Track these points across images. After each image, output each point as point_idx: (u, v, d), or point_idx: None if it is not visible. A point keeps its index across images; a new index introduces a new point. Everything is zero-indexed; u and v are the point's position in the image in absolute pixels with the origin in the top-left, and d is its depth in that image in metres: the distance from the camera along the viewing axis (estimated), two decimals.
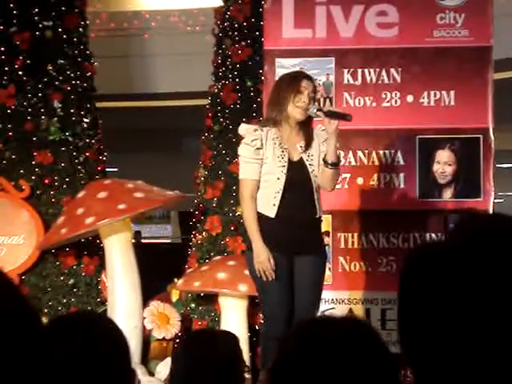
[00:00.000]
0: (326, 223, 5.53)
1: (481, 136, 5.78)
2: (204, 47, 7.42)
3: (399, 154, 5.83)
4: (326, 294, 5.43)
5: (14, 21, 6.55)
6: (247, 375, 4.56)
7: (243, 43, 6.48)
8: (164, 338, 5.80)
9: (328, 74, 5.88)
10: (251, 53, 6.45)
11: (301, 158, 4.66)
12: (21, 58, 6.51)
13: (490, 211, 5.68)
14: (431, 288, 1.26)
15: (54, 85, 6.53)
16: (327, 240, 5.54)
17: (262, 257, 4.53)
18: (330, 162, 4.58)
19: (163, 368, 5.38)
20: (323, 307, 5.37)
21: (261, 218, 4.58)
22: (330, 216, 5.67)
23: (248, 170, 4.64)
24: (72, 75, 6.59)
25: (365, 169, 5.83)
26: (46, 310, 6.18)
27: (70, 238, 5.89)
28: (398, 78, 5.86)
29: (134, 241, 6.34)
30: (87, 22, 6.90)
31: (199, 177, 6.55)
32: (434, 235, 5.71)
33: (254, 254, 4.56)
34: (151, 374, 5.64)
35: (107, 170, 6.83)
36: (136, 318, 5.72)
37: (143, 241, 12.65)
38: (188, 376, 2.80)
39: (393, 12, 5.87)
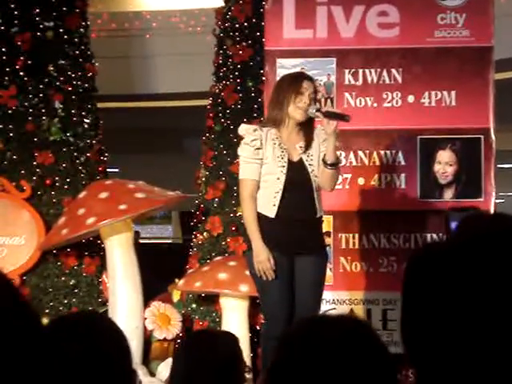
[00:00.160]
0: (327, 223, 5.53)
1: (482, 136, 5.78)
2: (205, 47, 7.42)
3: (400, 154, 5.83)
4: (327, 295, 5.43)
5: (16, 21, 6.55)
6: (248, 375, 4.56)
7: (244, 43, 6.48)
8: (165, 339, 5.79)
9: (329, 75, 5.89)
10: (252, 53, 6.45)
11: (300, 159, 4.66)
12: (22, 58, 6.51)
13: (492, 211, 5.69)
14: (434, 288, 1.26)
15: (55, 85, 6.53)
16: (328, 240, 5.54)
17: (262, 256, 4.53)
18: (329, 162, 4.58)
19: (164, 368, 5.38)
20: (324, 308, 5.37)
21: (261, 218, 4.58)
22: (331, 216, 5.68)
23: (248, 170, 4.64)
24: (73, 76, 6.59)
25: (366, 169, 5.83)
26: (47, 311, 6.18)
27: (71, 239, 5.89)
28: (399, 79, 5.86)
29: None
30: (88, 23, 6.90)
31: (200, 177, 6.55)
32: (435, 235, 5.71)
33: (253, 254, 4.57)
34: (152, 374, 5.64)
35: (108, 170, 6.83)
36: (137, 319, 5.72)
37: (142, 241, 12.66)
38: (188, 376, 2.80)
39: (394, 12, 5.87)
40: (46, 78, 6.52)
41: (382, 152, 5.83)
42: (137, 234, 12.02)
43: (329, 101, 5.86)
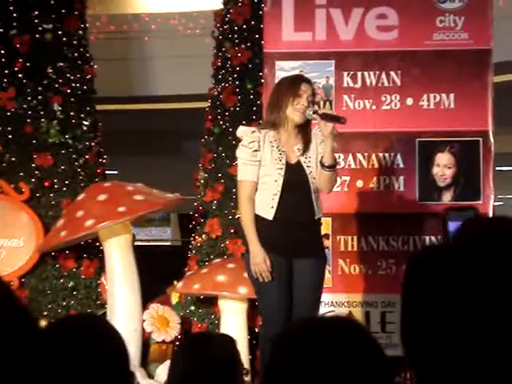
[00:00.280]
0: (326, 226, 5.53)
1: (480, 139, 5.78)
2: (204, 50, 7.41)
3: (399, 156, 5.83)
4: (326, 297, 5.43)
5: (14, 23, 6.55)
6: (246, 378, 4.56)
7: (243, 46, 6.48)
8: (164, 341, 5.79)
9: (328, 77, 5.89)
10: (251, 55, 6.45)
11: (298, 161, 4.66)
12: (21, 60, 6.51)
13: (490, 214, 5.69)
14: (434, 290, 1.26)
15: (54, 87, 6.53)
16: (327, 243, 5.54)
17: (258, 258, 4.53)
18: (326, 164, 4.58)
19: (163, 371, 5.38)
20: (323, 310, 5.37)
21: (259, 220, 4.58)
22: (329, 219, 5.68)
23: (245, 172, 4.64)
24: (72, 78, 6.59)
25: (364, 172, 5.83)
26: (45, 313, 6.17)
27: (70, 241, 5.89)
28: (398, 81, 5.86)
29: None
30: (87, 25, 6.90)
31: (199, 179, 6.55)
32: (433, 238, 5.71)
33: (250, 256, 4.57)
34: (151, 376, 5.64)
35: (107, 172, 6.83)
36: (136, 321, 5.71)
37: (141, 243, 12.65)
38: (185, 378, 2.80)
39: (392, 15, 5.88)
40: (45, 80, 6.52)
41: (381, 154, 5.83)
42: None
43: (327, 103, 5.87)
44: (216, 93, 6.54)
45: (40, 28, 6.57)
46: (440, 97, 5.82)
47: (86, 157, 6.53)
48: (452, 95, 5.81)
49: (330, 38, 5.89)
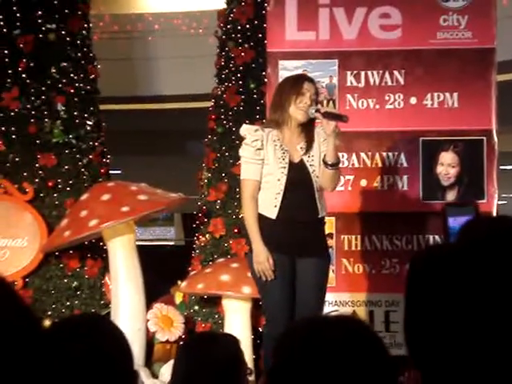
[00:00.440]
0: (330, 225, 5.53)
1: (484, 138, 5.78)
2: (207, 49, 7.41)
3: (402, 155, 5.82)
4: (330, 296, 5.43)
5: (18, 23, 6.55)
6: (250, 378, 4.55)
7: (246, 45, 6.48)
8: (167, 341, 5.79)
9: (331, 76, 5.89)
10: (254, 55, 6.45)
11: (301, 159, 4.66)
12: (24, 60, 6.51)
13: (494, 213, 5.68)
14: (438, 290, 1.26)
15: (58, 87, 6.53)
16: (330, 242, 5.54)
17: (261, 257, 4.53)
18: (329, 162, 4.58)
19: (167, 370, 5.38)
20: (326, 309, 5.37)
21: (262, 219, 4.59)
22: (333, 218, 5.68)
23: (249, 171, 4.64)
24: (75, 78, 6.59)
25: (368, 171, 5.83)
26: (49, 313, 6.18)
27: (74, 241, 5.89)
28: (402, 80, 5.86)
29: None
30: (90, 25, 6.90)
31: (202, 179, 6.55)
32: (437, 237, 5.70)
33: (253, 255, 4.58)
34: (155, 376, 5.64)
35: (111, 172, 6.83)
36: (139, 321, 5.72)
37: (145, 243, 12.65)
38: (189, 378, 2.80)
39: (396, 14, 5.87)
40: (49, 80, 6.52)
41: (385, 154, 5.83)
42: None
43: (331, 103, 5.86)
44: (219, 92, 6.54)
45: (43, 28, 6.57)
46: (444, 96, 5.82)
47: (90, 157, 6.53)
48: (456, 94, 5.81)
49: (334, 37, 5.89)
